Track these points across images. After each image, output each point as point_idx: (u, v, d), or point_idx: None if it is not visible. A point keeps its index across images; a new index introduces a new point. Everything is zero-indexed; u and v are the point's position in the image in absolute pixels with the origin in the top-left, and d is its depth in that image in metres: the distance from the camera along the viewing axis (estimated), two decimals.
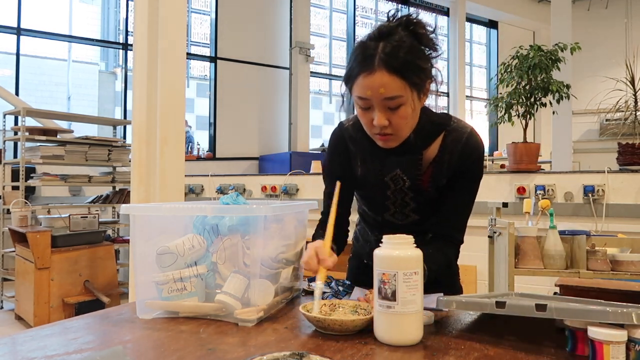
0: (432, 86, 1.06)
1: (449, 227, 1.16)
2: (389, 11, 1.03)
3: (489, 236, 2.64)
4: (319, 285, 0.98)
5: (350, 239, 1.44)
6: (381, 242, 0.88)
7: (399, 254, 0.85)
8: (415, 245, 0.88)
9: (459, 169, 1.13)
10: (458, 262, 1.31)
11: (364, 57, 0.98)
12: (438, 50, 1.03)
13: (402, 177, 1.15)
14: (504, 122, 3.53)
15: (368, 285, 1.24)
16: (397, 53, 0.96)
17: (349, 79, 1.03)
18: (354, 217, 1.33)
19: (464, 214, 1.17)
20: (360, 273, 1.36)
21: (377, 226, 1.28)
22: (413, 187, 1.15)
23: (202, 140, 7.45)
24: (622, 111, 3.59)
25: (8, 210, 4.03)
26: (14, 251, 3.93)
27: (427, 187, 1.15)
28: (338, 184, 1.13)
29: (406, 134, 1.07)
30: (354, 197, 1.32)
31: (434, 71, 1.04)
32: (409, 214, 1.21)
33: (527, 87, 3.42)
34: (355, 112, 1.10)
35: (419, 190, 1.16)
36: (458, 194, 1.15)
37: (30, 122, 4.54)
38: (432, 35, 1.02)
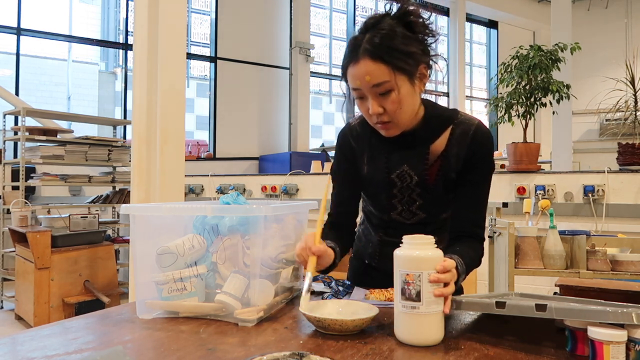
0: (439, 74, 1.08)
1: (469, 223, 1.14)
2: (385, 5, 1.04)
3: (489, 236, 2.64)
4: (308, 275, 0.98)
5: None
6: (400, 243, 0.88)
7: (422, 254, 0.85)
8: (435, 245, 0.88)
9: (470, 162, 1.12)
10: None
11: (351, 49, 1.02)
12: (435, 36, 1.04)
13: (409, 173, 1.15)
14: (504, 122, 3.53)
15: (369, 285, 1.24)
16: (380, 41, 0.99)
17: (343, 73, 1.06)
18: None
19: (481, 208, 1.15)
20: (361, 273, 1.36)
21: (382, 226, 1.27)
22: (420, 183, 1.15)
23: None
24: (622, 111, 3.59)
25: (8, 210, 4.03)
26: (14, 251, 3.93)
27: (434, 181, 1.14)
28: (328, 179, 1.16)
29: (405, 120, 1.07)
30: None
31: (435, 58, 1.05)
32: (416, 212, 1.20)
33: (527, 87, 3.42)
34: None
35: (426, 185, 1.15)
36: (473, 188, 1.14)
37: (30, 122, 4.54)
38: (428, 22, 1.03)
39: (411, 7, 1.02)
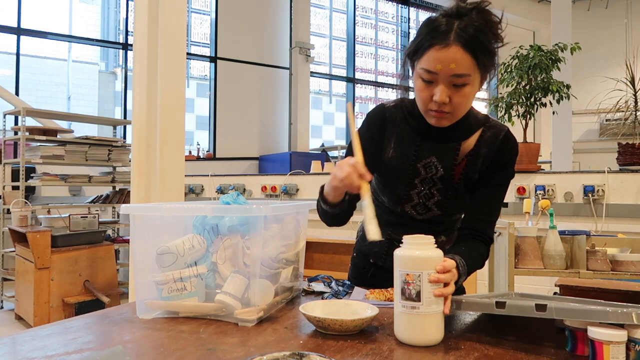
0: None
1: (480, 223, 1.14)
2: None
3: None
4: (366, 203, 0.92)
5: (354, 237, 1.43)
6: (401, 242, 0.88)
7: (423, 254, 0.85)
8: (436, 245, 0.88)
9: (495, 165, 1.13)
10: None
11: (438, 31, 0.98)
12: (502, 42, 1.03)
13: (436, 165, 1.14)
14: (503, 122, 3.52)
15: (372, 285, 1.23)
16: (474, 32, 0.97)
17: (417, 51, 1.02)
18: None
19: (495, 211, 1.16)
20: (364, 273, 1.34)
21: (391, 223, 1.24)
22: (444, 177, 1.15)
23: (202, 140, 7.45)
24: (622, 111, 3.60)
25: (8, 210, 4.03)
26: (14, 251, 3.93)
27: (458, 179, 1.15)
28: (349, 105, 1.13)
29: (460, 115, 1.07)
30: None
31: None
32: (432, 208, 1.19)
33: (527, 87, 3.42)
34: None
35: (449, 182, 1.15)
36: (492, 190, 1.15)
37: (30, 122, 4.54)
38: (499, 26, 1.02)
39: (489, 8, 1.01)
